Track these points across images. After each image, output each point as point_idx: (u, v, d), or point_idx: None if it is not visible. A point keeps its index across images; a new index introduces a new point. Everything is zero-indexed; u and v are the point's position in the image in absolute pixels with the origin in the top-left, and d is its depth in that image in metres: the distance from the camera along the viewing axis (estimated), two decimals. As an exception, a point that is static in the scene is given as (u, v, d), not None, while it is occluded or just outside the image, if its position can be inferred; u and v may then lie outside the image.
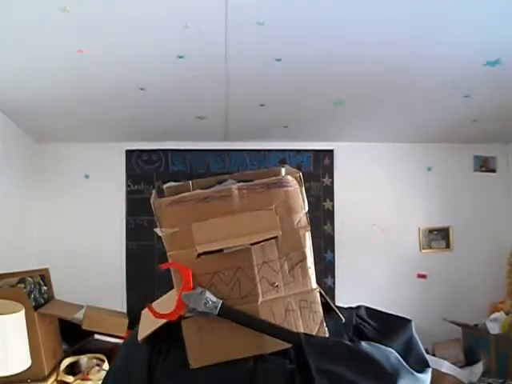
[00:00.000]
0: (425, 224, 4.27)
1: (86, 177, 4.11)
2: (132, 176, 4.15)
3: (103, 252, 4.03)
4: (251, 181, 0.90)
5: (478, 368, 3.52)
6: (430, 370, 0.91)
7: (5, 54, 2.34)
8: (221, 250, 0.82)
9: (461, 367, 3.53)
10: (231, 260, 0.83)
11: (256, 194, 0.85)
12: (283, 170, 0.95)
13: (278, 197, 0.85)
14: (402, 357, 0.86)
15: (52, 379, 2.60)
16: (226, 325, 0.83)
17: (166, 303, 0.91)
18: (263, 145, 4.18)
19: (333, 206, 4.23)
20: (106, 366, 2.79)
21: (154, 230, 0.89)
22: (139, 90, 2.87)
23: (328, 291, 4.14)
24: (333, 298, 4.15)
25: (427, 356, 0.97)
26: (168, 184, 0.95)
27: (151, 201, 0.89)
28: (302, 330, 0.85)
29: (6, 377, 1.93)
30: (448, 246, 4.28)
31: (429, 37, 2.25)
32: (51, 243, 3.94)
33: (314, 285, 0.88)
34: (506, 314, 3.65)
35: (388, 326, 0.95)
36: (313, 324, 0.86)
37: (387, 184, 4.27)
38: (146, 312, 0.97)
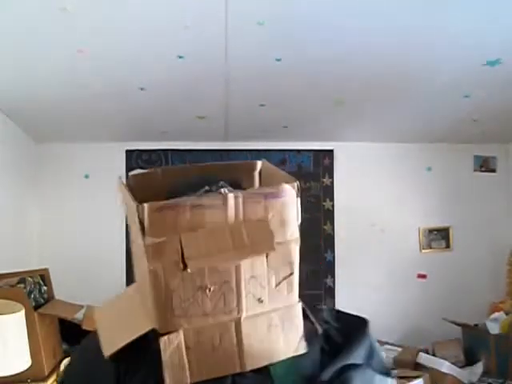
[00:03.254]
0: (425, 224, 4.27)
1: (86, 177, 4.11)
2: (132, 176, 4.15)
3: (103, 252, 4.03)
4: (226, 171, 0.85)
5: (478, 368, 3.52)
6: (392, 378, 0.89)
7: (5, 53, 2.34)
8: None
9: (461, 367, 3.53)
10: (219, 275, 0.77)
11: (252, 204, 0.78)
12: (259, 164, 0.92)
13: (274, 208, 0.79)
14: (367, 360, 0.85)
15: (52, 379, 2.60)
16: (207, 341, 0.78)
17: (129, 311, 0.84)
18: (263, 145, 4.18)
19: (333, 206, 4.23)
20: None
21: (133, 237, 0.78)
22: (139, 90, 2.87)
23: (328, 291, 4.14)
24: (333, 298, 4.16)
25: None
26: (135, 171, 0.89)
27: (126, 196, 0.79)
28: (283, 345, 0.82)
29: (6, 377, 1.93)
30: (448, 246, 4.28)
31: (429, 37, 2.25)
32: (51, 243, 3.95)
33: (297, 298, 0.84)
34: (506, 313, 3.65)
35: (351, 328, 0.91)
36: (294, 339, 0.83)
37: (387, 184, 4.27)
38: (103, 316, 0.88)
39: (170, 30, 2.15)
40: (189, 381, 0.77)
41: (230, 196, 0.77)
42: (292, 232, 0.81)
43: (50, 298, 3.04)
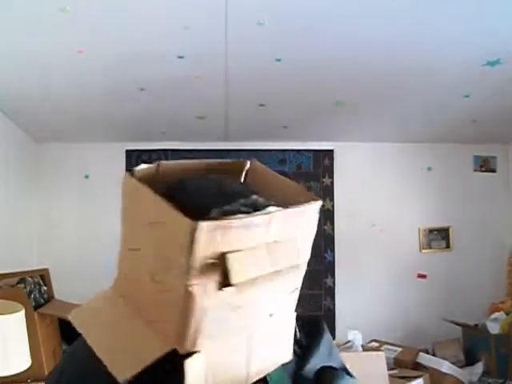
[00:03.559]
0: (425, 224, 4.27)
1: (86, 177, 4.11)
2: (132, 176, 4.15)
3: (103, 252, 4.01)
4: (222, 170, 0.82)
5: (478, 368, 3.52)
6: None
7: (5, 53, 2.34)
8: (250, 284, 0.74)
9: (461, 367, 3.52)
10: (251, 295, 0.75)
11: (287, 222, 0.76)
12: (248, 163, 0.90)
13: (302, 227, 0.79)
14: (327, 358, 0.88)
15: (52, 379, 2.60)
16: (225, 360, 0.77)
17: (127, 329, 0.78)
18: (263, 145, 4.18)
19: (333, 206, 4.23)
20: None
21: (183, 257, 0.68)
22: (139, 90, 2.87)
23: (328, 291, 4.14)
24: (333, 298, 4.16)
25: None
26: (141, 167, 0.81)
27: (160, 206, 0.70)
28: (282, 353, 0.83)
29: (6, 377, 1.93)
30: (448, 246, 4.28)
31: (429, 37, 2.25)
32: (51, 243, 3.95)
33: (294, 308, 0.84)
34: (506, 313, 3.65)
35: (311, 327, 0.92)
36: (289, 346, 0.85)
37: (387, 184, 4.27)
38: (90, 330, 0.81)
39: (170, 30, 2.15)
40: None
41: (277, 215, 0.74)
42: (308, 250, 0.79)
43: (50, 298, 3.04)
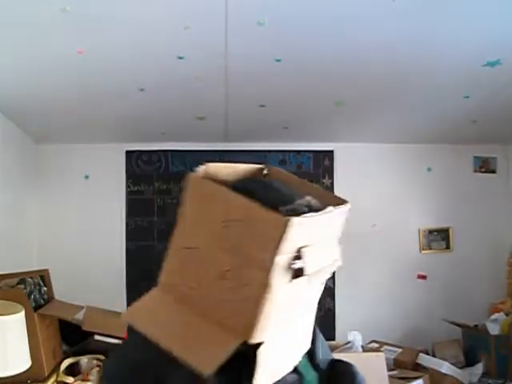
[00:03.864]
0: (425, 224, 4.26)
1: (86, 177, 4.11)
2: (132, 177, 4.15)
3: (103, 252, 4.03)
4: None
5: (478, 369, 3.52)
6: None
7: (5, 54, 2.34)
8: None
9: (461, 368, 3.52)
10: (314, 283, 0.85)
11: (337, 221, 0.88)
12: (266, 168, 1.01)
13: (341, 225, 0.91)
14: (327, 351, 0.99)
15: (52, 380, 2.59)
16: (281, 348, 0.84)
17: (186, 324, 0.81)
18: (263, 145, 4.19)
19: (333, 207, 4.22)
20: (105, 366, 2.79)
21: (268, 251, 0.72)
22: (139, 90, 2.87)
23: (328, 291, 4.15)
24: (332, 298, 4.16)
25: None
26: (200, 168, 0.86)
27: (251, 208, 0.74)
28: (308, 340, 0.91)
29: (6, 377, 1.93)
30: (448, 246, 4.27)
31: (429, 37, 2.25)
32: (51, 243, 3.94)
33: None
34: (506, 314, 3.65)
35: None
36: (310, 333, 0.92)
37: (387, 184, 4.27)
38: (153, 318, 0.84)
39: (170, 30, 2.15)
40: (271, 381, 0.82)
41: (335, 212, 0.84)
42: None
43: (49, 298, 3.04)
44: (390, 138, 4.17)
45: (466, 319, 3.88)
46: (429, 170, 4.32)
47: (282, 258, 0.72)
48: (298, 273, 0.75)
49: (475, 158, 4.38)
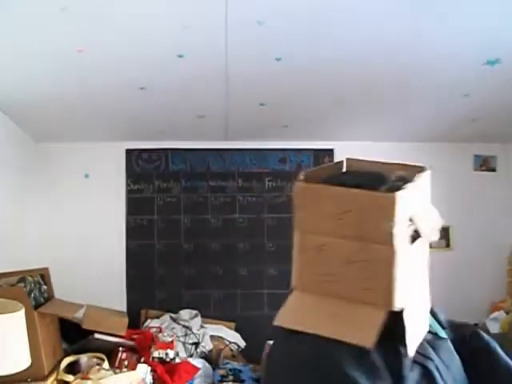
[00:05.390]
0: (425, 223, 4.26)
1: (86, 177, 4.11)
2: (132, 175, 4.16)
3: (103, 252, 4.03)
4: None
5: (478, 367, 3.52)
6: None
7: (5, 54, 2.34)
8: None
9: (461, 366, 3.52)
10: (425, 244, 1.00)
11: (425, 187, 1.06)
12: (345, 160, 1.11)
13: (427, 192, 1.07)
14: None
15: (52, 378, 2.60)
16: (417, 311, 0.94)
17: (336, 308, 0.92)
18: (263, 144, 4.19)
19: (333, 206, 4.22)
20: (106, 365, 2.79)
21: (386, 225, 0.86)
22: (139, 89, 2.87)
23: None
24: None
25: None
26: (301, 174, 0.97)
27: (360, 194, 0.89)
28: (428, 301, 1.03)
29: (6, 376, 1.93)
30: (448, 245, 4.28)
31: (429, 36, 2.25)
32: (51, 243, 3.95)
33: None
34: (506, 313, 3.65)
35: None
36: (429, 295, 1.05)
37: (387, 183, 4.26)
38: (300, 317, 0.93)
39: (170, 29, 2.15)
40: (416, 347, 0.90)
41: (422, 180, 1.01)
42: None
43: (49, 297, 3.04)
44: (390, 137, 4.16)
45: (466, 318, 3.87)
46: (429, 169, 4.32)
47: (399, 228, 0.85)
48: (415, 236, 0.89)
49: (475, 156, 4.37)
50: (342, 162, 1.10)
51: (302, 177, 0.95)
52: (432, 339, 0.96)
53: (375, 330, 0.84)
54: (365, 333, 0.86)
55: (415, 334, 0.91)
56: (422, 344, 0.92)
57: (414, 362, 0.88)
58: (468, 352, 1.00)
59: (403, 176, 0.97)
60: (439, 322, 1.02)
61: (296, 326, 0.90)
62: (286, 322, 0.92)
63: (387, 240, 0.85)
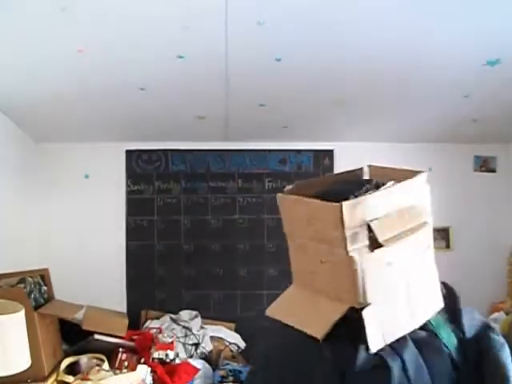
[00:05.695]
0: (425, 224, 4.26)
1: (86, 177, 4.11)
2: (132, 176, 4.15)
3: (103, 252, 4.03)
4: (357, 181, 1.11)
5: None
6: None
7: (5, 54, 2.34)
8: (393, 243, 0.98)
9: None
10: (397, 250, 0.98)
11: (406, 193, 1.03)
12: (367, 167, 1.21)
13: (419, 193, 1.07)
14: (471, 319, 1.08)
15: (52, 379, 2.60)
16: (390, 309, 0.98)
17: (309, 302, 1.04)
18: (263, 145, 4.18)
19: (333, 206, 4.22)
20: (106, 365, 2.79)
21: (336, 232, 0.93)
22: (139, 89, 2.87)
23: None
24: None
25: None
26: (287, 187, 1.11)
27: (313, 204, 0.99)
28: (432, 302, 1.05)
29: (6, 377, 1.93)
30: (448, 246, 4.28)
31: (429, 37, 2.25)
32: (51, 242, 3.95)
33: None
34: (506, 313, 3.64)
35: (451, 294, 1.13)
36: (437, 296, 1.07)
37: (387, 184, 4.26)
38: (280, 312, 1.07)
39: (170, 29, 2.15)
40: (383, 344, 0.96)
41: (396, 187, 1.01)
42: (429, 211, 1.10)
43: (50, 298, 3.04)
44: (390, 137, 4.17)
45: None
46: (429, 169, 4.32)
47: (351, 233, 0.92)
48: (374, 243, 0.94)
49: (475, 157, 4.37)
50: (362, 168, 1.22)
51: (286, 189, 1.10)
52: (423, 337, 1.00)
53: (329, 323, 0.94)
54: (320, 325, 0.96)
55: (384, 332, 0.96)
56: (402, 340, 0.98)
57: (380, 356, 0.94)
58: (477, 353, 1.01)
59: (379, 185, 1.05)
60: (458, 323, 1.04)
61: (275, 315, 1.06)
62: (270, 311, 1.08)
63: (341, 245, 0.93)
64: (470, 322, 1.05)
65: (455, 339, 1.01)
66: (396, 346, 0.97)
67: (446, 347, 0.99)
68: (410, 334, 0.99)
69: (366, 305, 0.94)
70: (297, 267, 1.10)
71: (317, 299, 1.03)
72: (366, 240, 0.94)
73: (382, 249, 0.94)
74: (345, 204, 0.92)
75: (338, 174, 1.21)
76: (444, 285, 1.15)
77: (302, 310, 1.04)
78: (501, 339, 1.03)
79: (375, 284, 0.96)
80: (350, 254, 0.93)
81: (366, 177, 1.21)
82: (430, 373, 0.96)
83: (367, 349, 0.94)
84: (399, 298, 1.00)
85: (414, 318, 1.01)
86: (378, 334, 0.95)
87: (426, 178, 1.08)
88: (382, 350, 0.95)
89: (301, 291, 1.09)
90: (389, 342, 0.96)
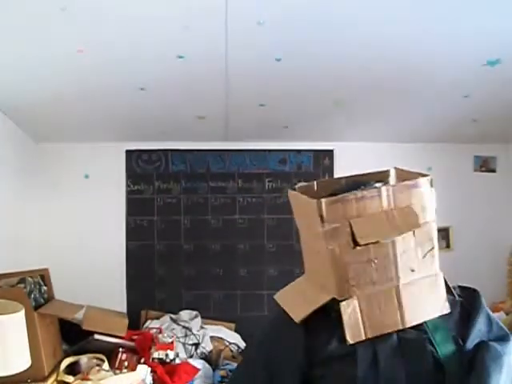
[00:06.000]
0: (425, 224, 4.26)
1: (86, 177, 4.11)
2: (132, 176, 4.15)
3: (103, 252, 4.03)
4: (367, 182, 1.14)
5: (478, 368, 3.51)
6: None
7: (5, 53, 2.34)
8: (375, 241, 1.00)
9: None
10: (381, 250, 1.00)
11: (399, 194, 1.03)
12: (393, 170, 1.22)
13: (416, 196, 1.07)
14: (489, 327, 1.07)
15: (52, 379, 2.60)
16: (375, 304, 1.01)
17: (304, 291, 1.13)
18: (263, 145, 4.18)
19: (333, 206, 4.22)
20: (106, 365, 2.79)
21: (317, 226, 1.00)
22: (139, 90, 2.87)
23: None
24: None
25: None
26: (300, 184, 1.20)
27: (302, 199, 1.07)
28: (432, 306, 1.05)
29: (6, 377, 1.93)
30: (448, 246, 4.27)
31: (429, 36, 2.25)
32: (51, 243, 3.94)
33: (438, 268, 1.11)
34: (506, 313, 3.65)
35: (471, 298, 1.13)
36: (440, 301, 1.06)
37: (387, 184, 4.26)
38: (284, 298, 1.15)
39: (170, 29, 2.15)
40: (363, 337, 0.99)
41: (383, 188, 1.03)
42: (430, 215, 1.11)
43: (50, 298, 3.04)
44: (389, 138, 4.16)
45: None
46: (429, 169, 4.31)
47: (330, 227, 0.98)
48: (354, 240, 0.97)
49: (475, 157, 4.37)
50: (389, 170, 1.25)
51: (299, 184, 1.19)
52: (410, 337, 1.01)
53: (309, 310, 1.01)
54: (301, 310, 1.03)
55: (371, 325, 1.00)
56: (386, 336, 1.01)
57: (353, 345, 0.99)
58: (470, 363, 1.00)
59: (375, 185, 1.11)
60: (468, 329, 1.04)
61: (278, 300, 1.15)
62: (277, 296, 1.17)
63: (322, 238, 1.00)
64: (482, 332, 1.05)
65: (452, 345, 1.01)
66: (376, 340, 1.00)
67: (436, 350, 1.00)
68: (398, 332, 1.02)
69: (347, 297, 0.99)
70: (304, 259, 1.19)
71: (309, 288, 1.11)
72: (348, 236, 0.98)
73: (363, 246, 0.98)
74: (324, 200, 0.98)
75: (361, 175, 1.23)
76: (467, 292, 1.15)
77: (295, 297, 1.12)
78: (498, 353, 1.01)
79: (357, 279, 0.99)
80: (330, 247, 0.98)
81: (392, 179, 1.24)
82: (408, 371, 0.98)
83: (344, 339, 0.98)
84: (386, 296, 1.02)
85: (404, 318, 1.02)
86: (357, 327, 0.99)
87: (428, 182, 1.12)
88: (361, 342, 0.99)
89: (304, 281, 1.17)
90: (370, 336, 0.99)
